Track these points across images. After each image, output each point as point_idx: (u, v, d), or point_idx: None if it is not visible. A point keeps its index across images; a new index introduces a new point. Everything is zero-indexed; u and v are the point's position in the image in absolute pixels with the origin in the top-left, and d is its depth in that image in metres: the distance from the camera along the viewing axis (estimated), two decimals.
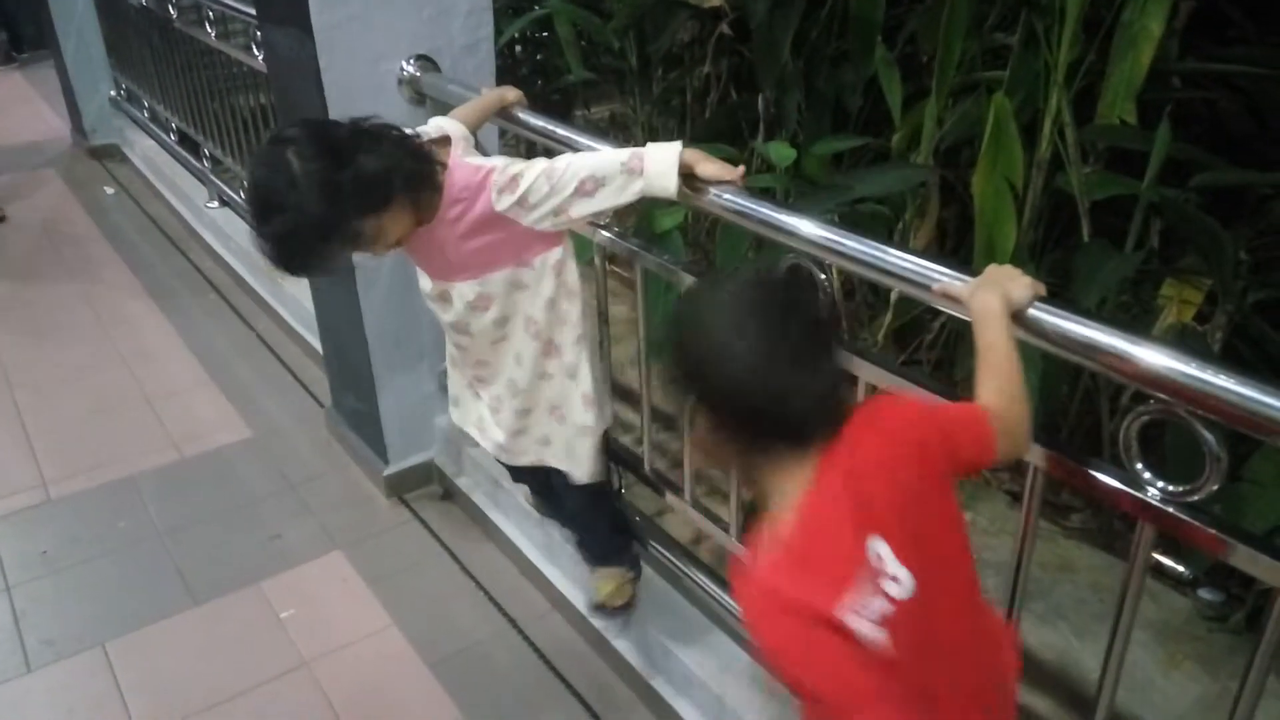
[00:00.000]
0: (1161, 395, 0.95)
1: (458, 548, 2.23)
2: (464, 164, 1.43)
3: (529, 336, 1.56)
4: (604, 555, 1.84)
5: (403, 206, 1.37)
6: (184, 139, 4.21)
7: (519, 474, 1.86)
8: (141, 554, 2.23)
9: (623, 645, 1.87)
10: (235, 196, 3.75)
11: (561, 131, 1.69)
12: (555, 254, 1.52)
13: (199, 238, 3.81)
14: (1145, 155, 2.13)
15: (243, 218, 3.69)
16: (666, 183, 1.38)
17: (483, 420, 1.71)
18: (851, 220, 2.37)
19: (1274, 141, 2.38)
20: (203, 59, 3.57)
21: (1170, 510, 0.99)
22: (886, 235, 1.42)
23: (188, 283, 3.56)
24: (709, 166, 1.42)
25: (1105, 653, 1.16)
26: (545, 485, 1.83)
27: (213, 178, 3.91)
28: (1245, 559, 0.94)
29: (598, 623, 1.91)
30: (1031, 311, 1.04)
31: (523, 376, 1.59)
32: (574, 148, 1.59)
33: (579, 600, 1.98)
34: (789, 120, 3.00)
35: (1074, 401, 2.38)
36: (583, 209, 1.42)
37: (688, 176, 1.41)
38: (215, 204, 3.86)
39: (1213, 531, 0.96)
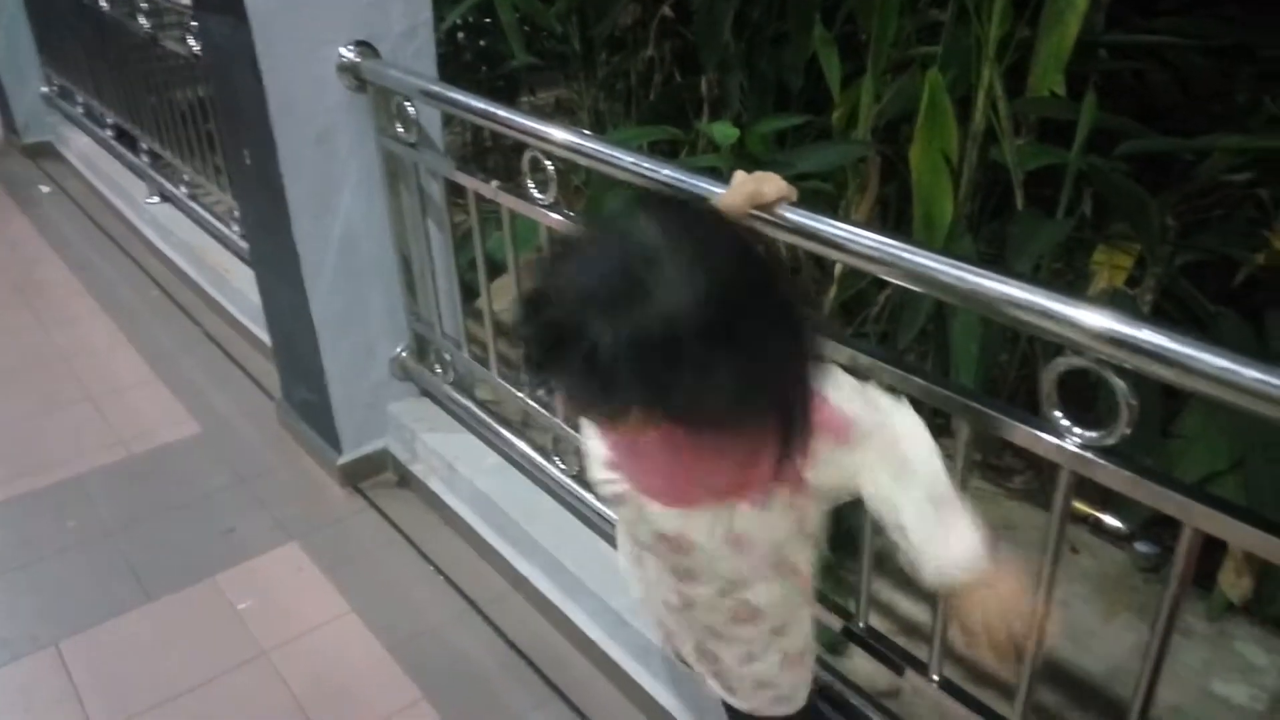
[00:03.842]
0: (1075, 346, 1.00)
1: (415, 534, 2.24)
2: (837, 408, 0.99)
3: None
4: None
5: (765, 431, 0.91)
6: (121, 134, 4.13)
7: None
8: (93, 552, 2.20)
9: (582, 620, 1.89)
10: (176, 191, 3.69)
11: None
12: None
13: (140, 234, 3.74)
14: (1076, 126, 2.19)
15: (206, 222, 3.62)
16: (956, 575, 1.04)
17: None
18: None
19: (1198, 110, 2.47)
20: (138, 52, 3.50)
21: (1088, 455, 1.03)
22: (831, 211, 1.45)
23: (129, 280, 3.50)
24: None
25: (1036, 597, 1.21)
26: None
27: (152, 173, 3.84)
28: (1157, 496, 0.99)
29: None
30: (954, 272, 1.08)
31: None
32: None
33: (540, 580, 2.00)
34: (732, 100, 3.04)
35: (1012, 369, 2.45)
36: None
37: None
38: (156, 199, 3.79)
39: (1125, 473, 1.01)
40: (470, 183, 1.92)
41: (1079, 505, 2.35)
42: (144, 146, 3.88)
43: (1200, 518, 0.97)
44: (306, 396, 2.43)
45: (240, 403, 2.77)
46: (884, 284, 2.66)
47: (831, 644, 1.78)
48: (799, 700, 1.30)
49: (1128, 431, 1.00)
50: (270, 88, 1.97)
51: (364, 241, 2.20)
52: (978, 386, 2.15)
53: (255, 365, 2.90)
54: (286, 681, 1.86)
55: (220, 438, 2.61)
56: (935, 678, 1.38)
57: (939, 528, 1.03)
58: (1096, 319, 0.97)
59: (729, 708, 1.37)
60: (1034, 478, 2.45)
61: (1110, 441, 1.02)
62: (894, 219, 2.74)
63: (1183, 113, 2.44)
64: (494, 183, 1.85)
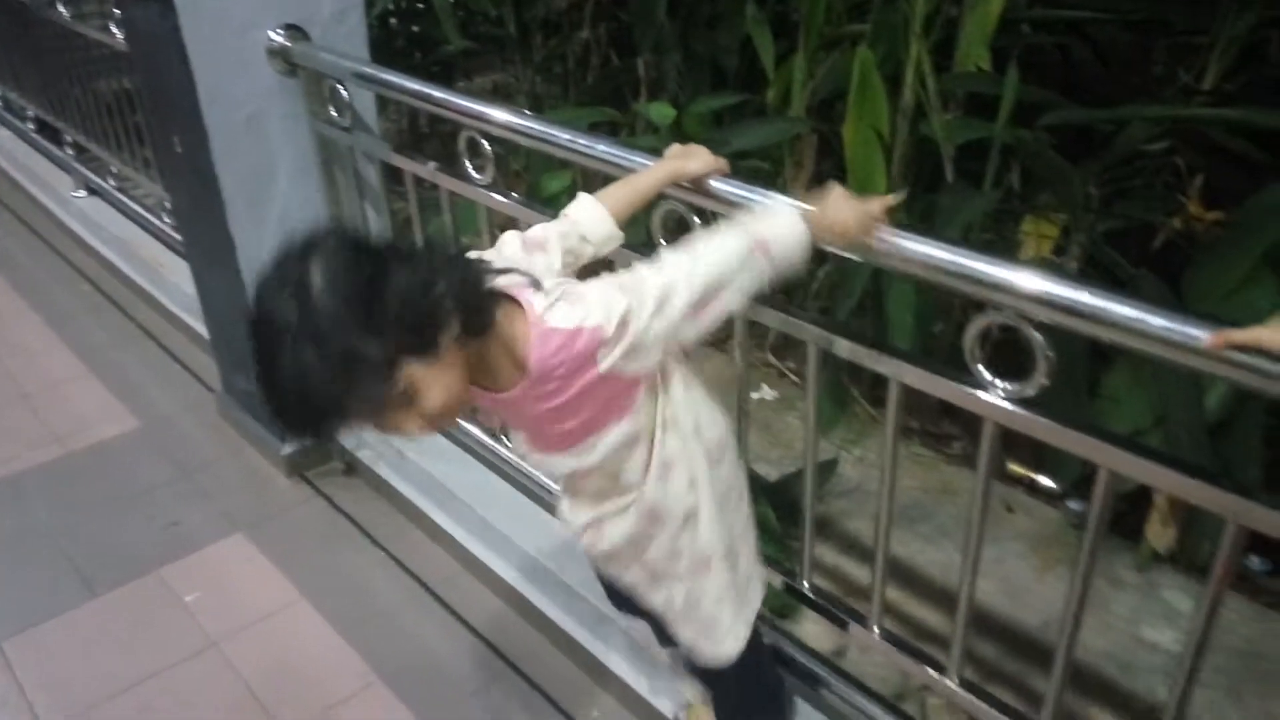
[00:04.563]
0: (994, 303, 1.04)
1: (364, 520, 2.23)
2: (551, 330, 1.02)
3: (637, 499, 1.20)
4: (730, 717, 1.52)
5: (455, 363, 0.97)
6: (43, 127, 4.01)
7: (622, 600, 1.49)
8: (32, 551, 2.16)
9: (535, 596, 1.91)
10: (103, 183, 3.60)
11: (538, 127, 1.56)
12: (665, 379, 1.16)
13: (66, 229, 3.64)
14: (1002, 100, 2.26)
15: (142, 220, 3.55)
16: (796, 263, 1.11)
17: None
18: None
19: (1117, 83, 2.55)
20: (58, 42, 3.40)
21: (1010, 407, 1.08)
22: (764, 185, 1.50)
23: (57, 275, 3.41)
24: (837, 224, 1.12)
25: (964, 551, 1.26)
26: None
27: (78, 165, 3.74)
28: (1075, 442, 1.05)
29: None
30: (891, 238, 1.12)
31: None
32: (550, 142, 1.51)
33: (492, 560, 2.01)
34: (669, 82, 3.06)
35: (946, 339, 2.52)
36: (698, 329, 1.08)
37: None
38: (82, 193, 3.70)
39: (1045, 422, 1.06)
40: (408, 165, 1.92)
41: (1014, 467, 2.44)
42: (68, 139, 3.78)
43: (1114, 460, 1.02)
44: (247, 387, 2.40)
45: (179, 396, 2.72)
46: (822, 260, 2.72)
47: (780, 609, 1.83)
48: (727, 645, 1.29)
49: (1045, 382, 1.05)
50: (199, 73, 1.94)
51: (301, 228, 2.16)
52: (912, 347, 2.21)
53: (193, 359, 2.85)
54: (238, 670, 1.85)
55: (160, 432, 2.56)
56: (876, 629, 1.42)
57: (743, 270, 1.08)
58: (1012, 275, 1.02)
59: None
60: (971, 443, 2.53)
61: (1030, 393, 1.07)
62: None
63: (1103, 85, 2.52)
64: (431, 164, 1.85)
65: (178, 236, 3.01)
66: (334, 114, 2.03)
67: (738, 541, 1.27)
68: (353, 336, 0.89)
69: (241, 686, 1.82)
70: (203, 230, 2.24)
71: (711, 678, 1.45)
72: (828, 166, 2.77)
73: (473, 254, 1.12)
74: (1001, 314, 1.07)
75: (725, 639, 1.28)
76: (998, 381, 1.10)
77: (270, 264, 0.96)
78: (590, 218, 1.25)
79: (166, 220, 3.23)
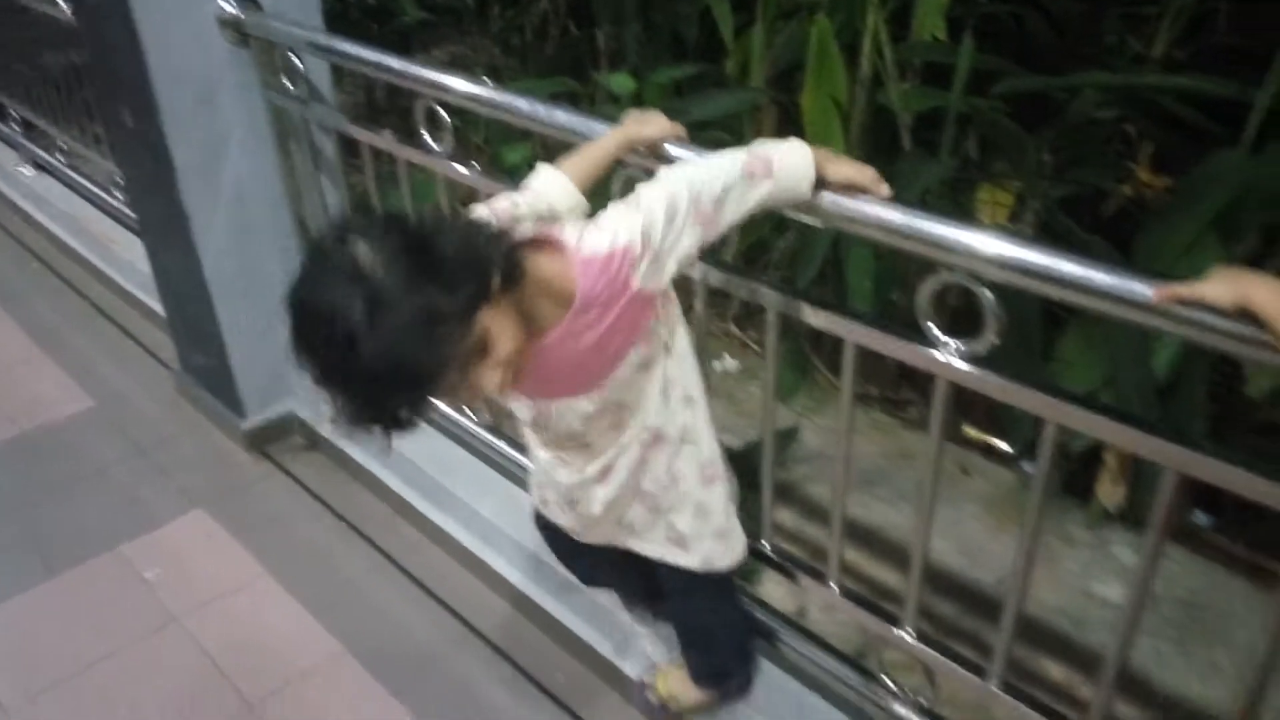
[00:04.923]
0: (947, 263, 1.07)
1: (327, 494, 2.23)
2: (590, 258, 1.05)
3: (643, 426, 1.24)
4: (706, 673, 1.57)
5: (510, 308, 0.99)
6: None
7: (593, 572, 1.59)
8: None
9: (499, 564, 1.92)
10: (51, 160, 3.52)
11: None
12: (666, 300, 1.20)
13: (13, 205, 3.55)
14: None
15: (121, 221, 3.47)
16: (802, 189, 1.12)
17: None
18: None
19: (1070, 52, 2.59)
20: (4, 16, 3.30)
21: (961, 365, 1.11)
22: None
23: (6, 254, 3.33)
24: (845, 168, 1.14)
25: (918, 507, 1.29)
26: (638, 579, 1.51)
27: (25, 142, 3.66)
28: (1024, 398, 1.07)
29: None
30: (846, 201, 1.13)
31: (625, 464, 1.27)
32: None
33: (457, 530, 2.02)
34: (628, 52, 3.05)
35: (904, 305, 2.56)
36: (706, 239, 1.10)
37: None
38: (29, 169, 3.61)
39: (995, 379, 1.08)
40: (364, 136, 1.89)
41: (970, 431, 2.49)
42: (14, 115, 3.68)
43: (1058, 413, 1.05)
44: (205, 363, 2.37)
45: (135, 374, 2.68)
46: (783, 230, 2.74)
47: (743, 572, 1.86)
48: (738, 548, 1.38)
49: (996, 341, 1.08)
50: (148, 45, 1.90)
51: (256, 202, 2.15)
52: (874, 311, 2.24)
53: (149, 336, 2.81)
54: (201, 645, 1.85)
55: (116, 410, 2.53)
56: (835, 586, 1.46)
57: (743, 180, 1.10)
58: (963, 235, 1.04)
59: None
60: (928, 408, 2.57)
61: (981, 350, 1.10)
62: None
63: (1056, 54, 2.56)
64: (387, 133, 1.83)
65: (130, 212, 2.95)
66: (288, 85, 2.00)
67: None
68: (427, 297, 0.89)
69: (205, 661, 1.82)
70: (155, 205, 2.20)
71: (690, 631, 1.53)
72: (788, 136, 2.78)
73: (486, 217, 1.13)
74: (953, 274, 1.09)
75: (737, 543, 1.38)
76: (949, 340, 1.12)
77: (309, 261, 0.95)
78: (554, 188, 1.26)
79: (118, 196, 3.16)
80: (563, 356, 1.09)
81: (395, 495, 2.13)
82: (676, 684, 1.60)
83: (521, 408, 1.26)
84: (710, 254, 1.30)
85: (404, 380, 0.91)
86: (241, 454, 2.35)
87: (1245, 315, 0.84)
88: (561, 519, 1.42)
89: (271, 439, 2.36)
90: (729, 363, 2.87)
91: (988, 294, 1.05)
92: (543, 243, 1.07)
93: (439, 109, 1.67)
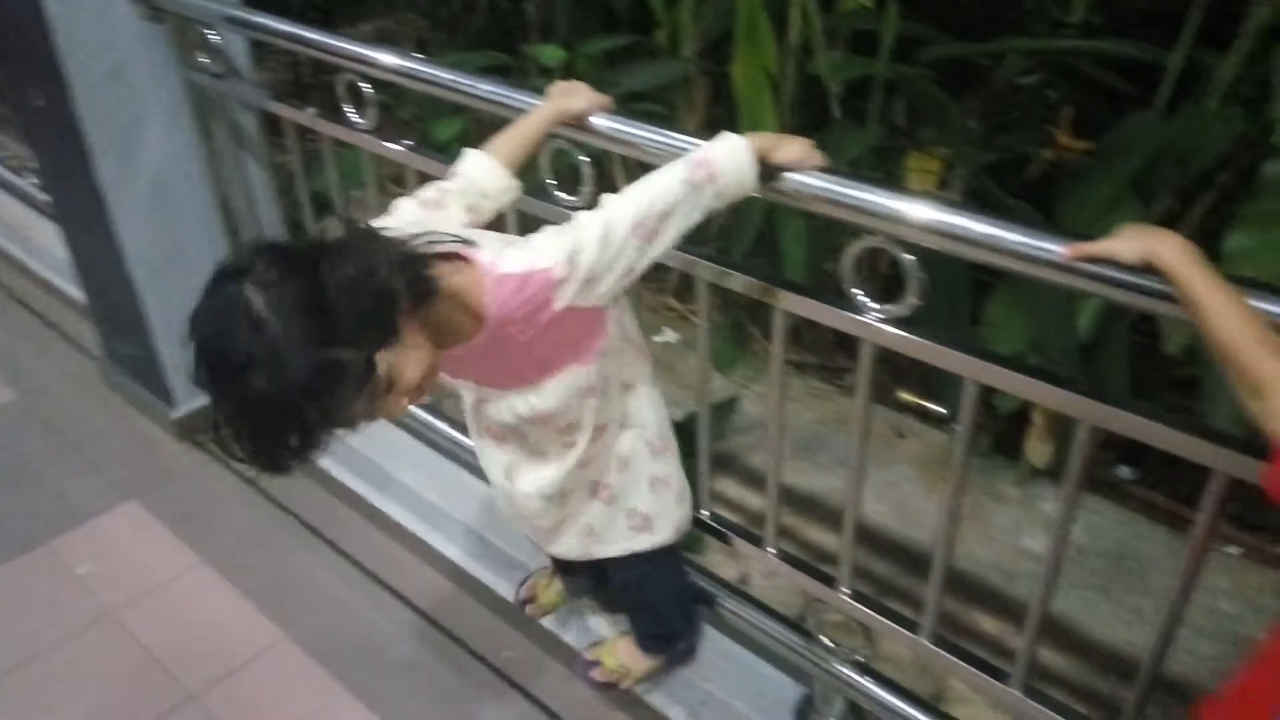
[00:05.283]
0: (868, 227, 1.08)
1: (262, 480, 2.19)
2: (504, 276, 1.04)
3: (591, 433, 1.26)
4: (653, 638, 1.60)
5: (418, 334, 0.97)
6: None
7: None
8: None
9: (441, 543, 1.92)
10: None
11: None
12: (612, 323, 1.21)
13: None
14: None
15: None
16: (745, 181, 1.10)
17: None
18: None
19: (993, 18, 2.63)
20: None
21: (885, 328, 1.13)
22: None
23: None
24: (790, 150, 1.12)
25: (852, 468, 1.31)
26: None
27: None
28: (945, 358, 1.10)
29: (595, 692, 1.65)
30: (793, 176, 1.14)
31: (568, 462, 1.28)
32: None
33: (396, 511, 2.00)
34: (559, 24, 3.01)
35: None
36: (651, 256, 1.09)
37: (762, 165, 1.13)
38: None
39: (917, 340, 1.11)
40: (286, 113, 1.85)
41: (904, 395, 2.54)
42: None
43: (978, 372, 1.08)
44: (131, 352, 2.30)
45: (57, 365, 2.60)
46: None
47: (687, 543, 1.88)
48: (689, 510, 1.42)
49: (917, 302, 1.10)
50: (54, 20, 1.83)
51: (178, 184, 2.09)
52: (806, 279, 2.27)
53: (70, 325, 2.72)
54: (138, 638, 1.81)
55: (39, 402, 2.45)
56: (771, 550, 1.48)
57: (689, 192, 1.09)
58: (881, 199, 1.05)
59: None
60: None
61: (903, 313, 1.12)
62: None
63: (981, 21, 2.59)
64: (311, 110, 1.79)
65: (44, 197, 2.84)
66: (205, 61, 1.94)
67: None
68: (326, 352, 0.88)
69: (143, 654, 1.78)
70: (70, 190, 2.13)
71: (637, 599, 1.56)
72: (723, 110, 2.79)
73: (372, 224, 1.07)
74: (875, 239, 1.10)
75: (688, 500, 1.42)
76: (873, 304, 1.14)
77: (205, 303, 0.91)
78: (483, 172, 1.24)
79: (31, 180, 3.04)
80: (492, 356, 1.09)
81: (332, 479, 2.11)
82: (625, 655, 1.62)
83: (466, 389, 1.26)
84: None
85: (304, 430, 0.91)
86: (172, 443, 2.29)
87: (1150, 270, 0.87)
88: (523, 529, 1.45)
89: (203, 427, 2.31)
90: (669, 335, 2.88)
91: (907, 257, 1.07)
92: (456, 258, 1.05)
93: (361, 83, 1.64)
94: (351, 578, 1.95)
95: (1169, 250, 0.85)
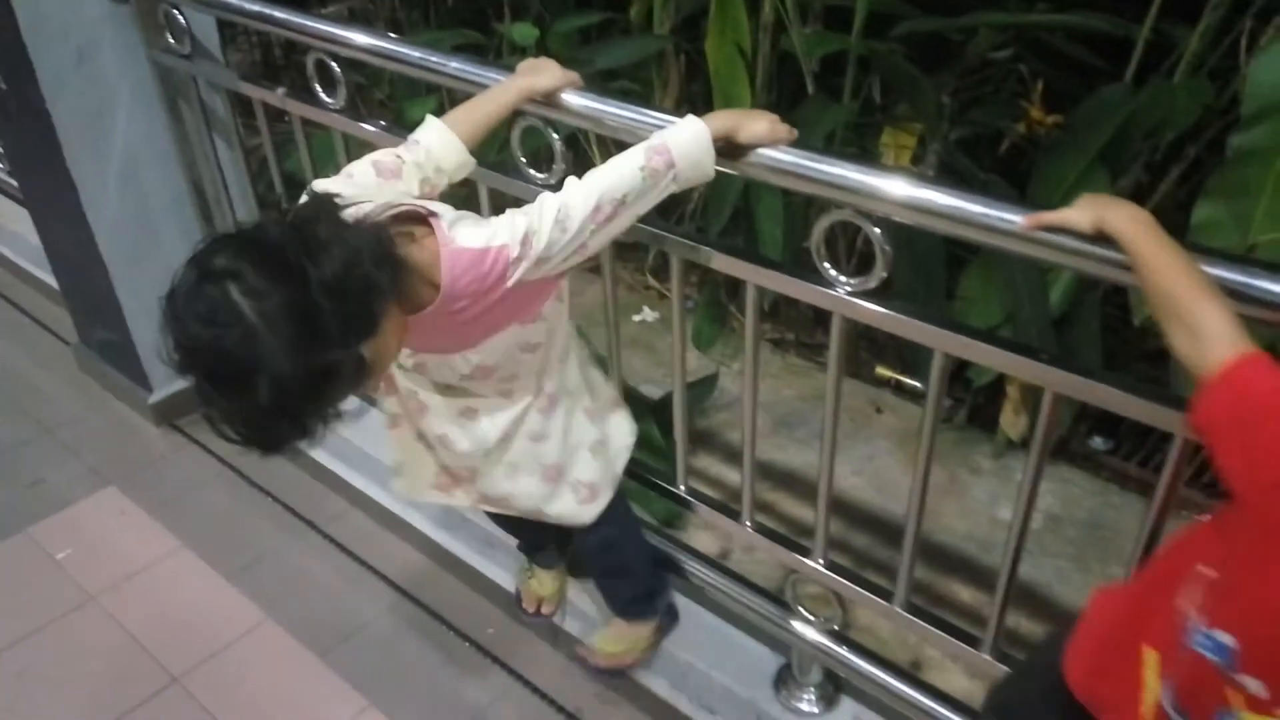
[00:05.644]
0: (836, 201, 1.09)
1: (242, 464, 2.19)
2: (462, 249, 1.04)
3: (531, 394, 1.27)
4: (634, 602, 1.62)
5: (395, 316, 0.98)
6: None
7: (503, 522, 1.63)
8: None
9: (422, 523, 1.93)
10: None
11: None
12: (561, 290, 1.23)
13: None
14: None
15: None
16: (705, 172, 1.11)
17: (441, 481, 1.40)
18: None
19: None
20: None
21: (855, 300, 1.14)
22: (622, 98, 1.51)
23: None
24: (756, 127, 1.12)
25: (821, 437, 1.33)
26: (541, 533, 1.58)
27: None
28: (915, 330, 1.11)
29: (600, 684, 1.68)
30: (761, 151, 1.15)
31: (510, 429, 1.29)
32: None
33: (378, 493, 2.01)
34: (532, 2, 2.99)
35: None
36: (605, 237, 1.11)
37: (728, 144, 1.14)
38: None
39: (885, 312, 1.12)
40: (256, 93, 1.84)
41: (882, 370, 2.56)
42: None
43: (946, 343, 1.10)
44: (106, 337, 2.29)
45: (32, 352, 2.58)
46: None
47: (667, 519, 1.90)
48: (618, 467, 1.41)
49: (885, 275, 1.11)
50: (17, 3, 1.81)
51: (148, 166, 2.07)
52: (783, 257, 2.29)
53: (45, 311, 2.70)
54: (121, 623, 1.81)
55: (15, 389, 2.44)
56: (748, 523, 1.50)
57: (646, 180, 1.09)
58: (847, 172, 1.06)
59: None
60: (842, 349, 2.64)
61: (872, 285, 1.13)
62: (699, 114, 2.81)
63: None
64: (281, 90, 1.78)
65: (13, 182, 2.81)
66: (172, 42, 1.92)
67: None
68: (317, 356, 0.88)
69: (125, 638, 1.79)
70: (40, 174, 2.11)
71: (606, 562, 1.57)
72: (699, 88, 2.78)
73: (320, 184, 1.10)
74: (843, 212, 1.11)
75: (629, 433, 1.44)
76: (842, 277, 1.16)
77: (188, 306, 0.88)
78: (443, 146, 1.23)
79: (1, 165, 3.01)
80: (436, 326, 1.09)
81: (312, 461, 2.11)
82: (618, 634, 1.63)
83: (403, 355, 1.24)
84: None
85: (298, 419, 0.92)
86: (150, 428, 2.29)
87: (1103, 238, 0.88)
88: (455, 497, 1.42)
89: (181, 411, 2.30)
90: (648, 314, 2.89)
91: (875, 230, 1.09)
92: (417, 218, 1.06)
93: (330, 62, 1.63)
94: (333, 558, 1.96)
95: (1118, 216, 0.87)
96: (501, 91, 1.30)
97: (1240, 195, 1.75)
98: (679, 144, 1.09)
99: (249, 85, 1.84)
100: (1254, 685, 0.74)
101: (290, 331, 0.86)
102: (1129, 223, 0.86)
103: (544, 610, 1.72)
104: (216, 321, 0.86)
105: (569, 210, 1.07)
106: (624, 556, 1.55)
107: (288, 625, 1.81)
